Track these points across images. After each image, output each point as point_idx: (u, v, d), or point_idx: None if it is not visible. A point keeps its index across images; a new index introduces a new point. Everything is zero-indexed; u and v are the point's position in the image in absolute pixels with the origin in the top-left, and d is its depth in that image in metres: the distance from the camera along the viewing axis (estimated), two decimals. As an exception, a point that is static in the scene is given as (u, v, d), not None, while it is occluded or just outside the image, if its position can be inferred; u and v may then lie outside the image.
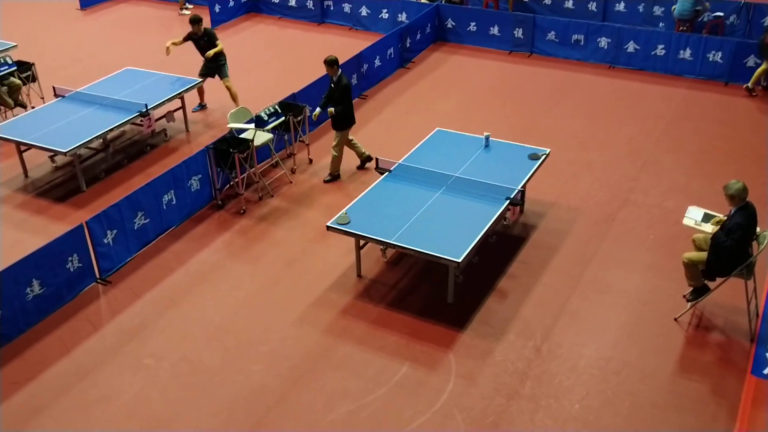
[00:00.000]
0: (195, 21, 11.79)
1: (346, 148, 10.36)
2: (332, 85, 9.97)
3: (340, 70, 9.92)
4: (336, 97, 9.92)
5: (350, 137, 10.35)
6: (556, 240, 8.99)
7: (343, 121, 10.07)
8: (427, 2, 15.86)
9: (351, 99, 10.08)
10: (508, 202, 8.19)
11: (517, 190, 8.41)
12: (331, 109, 9.91)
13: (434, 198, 8.35)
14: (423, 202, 8.26)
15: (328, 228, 7.99)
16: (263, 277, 8.54)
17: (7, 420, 6.72)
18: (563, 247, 8.85)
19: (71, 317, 7.96)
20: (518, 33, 14.76)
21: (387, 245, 7.79)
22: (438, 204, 8.24)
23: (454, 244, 7.48)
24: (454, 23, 15.33)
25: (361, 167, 10.51)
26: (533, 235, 9.09)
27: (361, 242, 8.25)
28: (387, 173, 8.88)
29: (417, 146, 9.54)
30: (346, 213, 8.10)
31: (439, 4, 15.61)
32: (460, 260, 7.29)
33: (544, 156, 9.19)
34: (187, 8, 17.90)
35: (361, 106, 12.66)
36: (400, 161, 9.05)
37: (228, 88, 12.01)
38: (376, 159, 9.07)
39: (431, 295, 8.10)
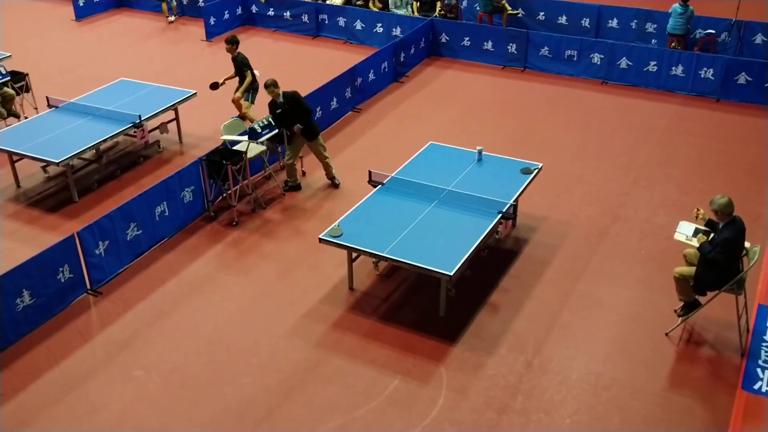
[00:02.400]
0: (230, 42, 11.66)
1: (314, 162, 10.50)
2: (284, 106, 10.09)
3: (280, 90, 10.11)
4: (296, 113, 10.07)
5: (325, 154, 10.43)
6: (548, 254, 9.00)
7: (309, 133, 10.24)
8: (421, 17, 15.95)
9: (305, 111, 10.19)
10: (500, 215, 8.21)
11: (509, 204, 8.43)
12: (298, 126, 10.03)
13: (427, 211, 8.36)
14: (416, 215, 8.27)
15: (321, 240, 7.99)
16: (255, 289, 8.52)
17: (-5, 431, 6.68)
18: (555, 262, 8.87)
19: (61, 328, 7.92)
20: (512, 48, 14.85)
21: (379, 258, 7.79)
22: (430, 217, 8.25)
23: (447, 258, 7.48)
24: (448, 38, 15.41)
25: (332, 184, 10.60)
26: (525, 249, 9.11)
27: (354, 255, 8.24)
28: (380, 186, 8.89)
29: (410, 159, 9.56)
30: (338, 225, 8.10)
31: (434, 18, 15.69)
32: (452, 273, 7.30)
33: (537, 170, 9.22)
34: (172, 16, 17.98)
35: (355, 120, 12.69)
36: (393, 174, 9.07)
37: (240, 108, 11.89)
38: (369, 172, 9.09)
39: (423, 309, 8.09)
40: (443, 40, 15.46)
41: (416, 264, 7.47)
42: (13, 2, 19.80)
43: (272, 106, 10.21)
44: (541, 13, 16.34)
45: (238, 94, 11.71)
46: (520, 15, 16.44)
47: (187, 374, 7.28)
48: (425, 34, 15.28)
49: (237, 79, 11.94)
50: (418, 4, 16.44)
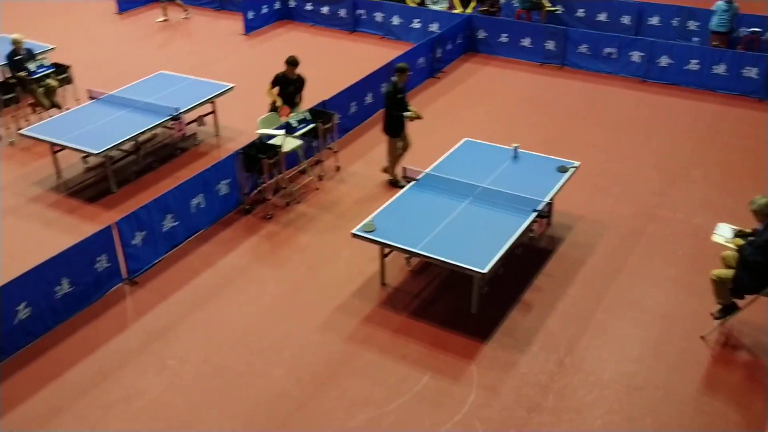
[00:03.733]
0: (291, 63, 10.60)
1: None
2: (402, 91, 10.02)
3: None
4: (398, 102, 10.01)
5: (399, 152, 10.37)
6: (583, 253, 8.91)
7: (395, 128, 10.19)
8: (460, 13, 15.86)
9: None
10: (535, 214, 8.15)
11: (544, 202, 8.36)
12: (410, 113, 10.01)
13: (461, 208, 8.33)
14: (449, 212, 8.25)
15: (354, 235, 8.01)
16: (288, 282, 8.58)
17: (31, 416, 6.81)
18: (590, 261, 8.78)
19: (98, 316, 8.06)
20: (550, 45, 14.71)
21: (412, 254, 7.79)
22: (464, 214, 8.23)
23: (480, 255, 7.45)
24: (485, 34, 15.32)
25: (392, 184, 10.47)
26: (560, 248, 9.03)
27: (386, 250, 8.25)
28: (414, 182, 8.88)
29: (445, 156, 9.54)
30: (371, 220, 8.11)
31: (471, 14, 15.61)
32: (485, 271, 7.27)
33: (573, 169, 9.13)
34: (186, 14, 18.12)
35: (390, 115, 12.71)
36: (427, 170, 9.06)
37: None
38: (404, 168, 9.08)
39: (455, 305, 8.07)
40: (481, 36, 15.37)
41: (449, 261, 7.45)
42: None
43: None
44: (581, 10, 16.16)
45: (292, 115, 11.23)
46: (559, 12, 16.28)
47: (220, 365, 7.37)
48: (462, 30, 15.21)
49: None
50: (459, 0, 16.32)
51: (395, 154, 10.29)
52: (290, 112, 10.37)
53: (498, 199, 8.40)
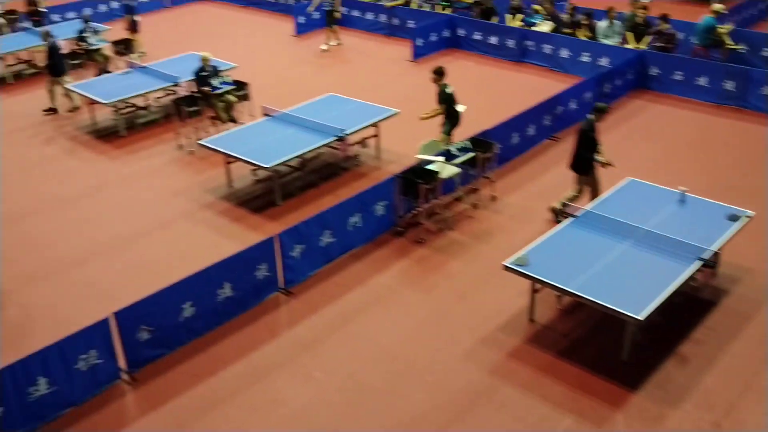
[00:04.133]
0: (436, 72, 11.28)
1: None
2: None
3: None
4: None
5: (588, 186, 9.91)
6: (751, 309, 8.30)
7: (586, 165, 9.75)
8: (633, 48, 15.37)
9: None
10: (700, 263, 7.70)
11: (711, 251, 7.89)
12: (602, 158, 9.69)
13: (620, 249, 8.03)
14: (607, 253, 7.97)
15: (505, 267, 7.93)
16: (435, 308, 8.62)
17: (185, 411, 7.26)
18: (757, 318, 8.16)
19: (253, 322, 8.48)
20: (729, 85, 13.91)
21: (564, 292, 7.60)
22: (623, 256, 7.92)
23: (637, 300, 7.14)
24: (658, 71, 14.74)
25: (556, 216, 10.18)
26: (725, 301, 8.47)
27: (537, 286, 8.10)
28: (572, 218, 8.68)
29: (607, 194, 9.25)
30: (525, 254, 8.00)
31: (645, 50, 15.09)
32: (641, 318, 6.95)
33: (746, 218, 8.56)
34: (333, 42, 18.46)
35: (552, 148, 12.49)
36: (586, 207, 8.81)
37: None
38: (562, 203, 8.90)
39: (605, 350, 7.77)
40: (653, 72, 14.81)
41: (603, 303, 7.20)
42: (242, 16, 21.61)
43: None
44: (766, 50, 15.17)
45: (442, 135, 11.34)
46: (741, 50, 15.37)
47: (363, 382, 7.51)
48: (634, 66, 14.73)
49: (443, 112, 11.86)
50: (633, 34, 15.80)
51: (578, 194, 9.93)
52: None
53: (660, 244, 8.02)
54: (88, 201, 11.31)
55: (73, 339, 7.11)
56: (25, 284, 9.31)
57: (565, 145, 12.53)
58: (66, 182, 11.92)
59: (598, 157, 9.66)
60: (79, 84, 14.40)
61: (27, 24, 18.71)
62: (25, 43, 17.15)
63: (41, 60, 17.23)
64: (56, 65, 14.42)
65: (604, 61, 15.25)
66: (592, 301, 7.29)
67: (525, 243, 8.46)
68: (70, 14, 20.36)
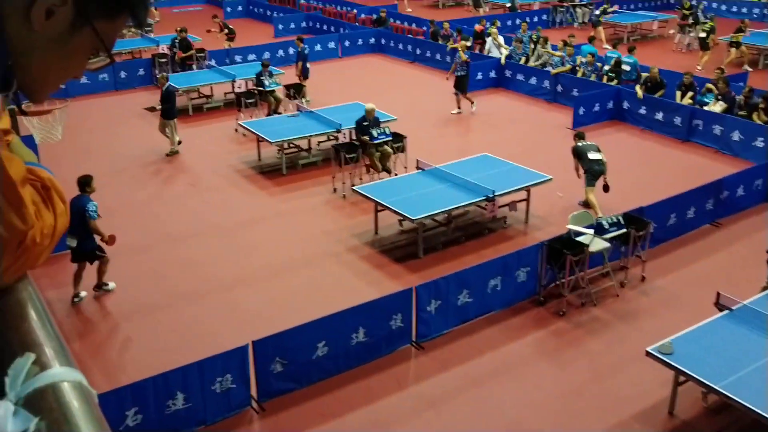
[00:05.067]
0: (577, 136, 11.96)
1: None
2: None
3: None
4: None
5: None
6: None
7: None
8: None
9: None
10: None
11: None
12: None
13: (778, 352, 7.43)
14: (765, 354, 7.39)
15: (648, 353, 7.54)
16: (567, 385, 8.31)
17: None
18: None
19: (382, 371, 8.52)
20: None
21: (711, 390, 7.10)
22: (781, 360, 7.31)
23: (793, 411, 6.55)
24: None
25: None
26: None
27: (682, 378, 7.62)
28: (727, 311, 8.14)
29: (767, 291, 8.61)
30: (670, 342, 7.57)
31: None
32: (796, 430, 6.36)
33: None
34: (472, 108, 18.15)
35: (712, 234, 11.84)
36: (745, 302, 8.24)
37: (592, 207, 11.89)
38: (718, 294, 8.38)
39: (751, 459, 7.15)
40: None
41: (754, 409, 6.65)
42: (407, 71, 22.26)
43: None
44: None
45: (586, 189, 11.55)
46: None
47: (483, 449, 7.34)
48: (814, 157, 13.75)
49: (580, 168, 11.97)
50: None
51: None
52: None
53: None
54: (243, 231, 11.94)
55: (213, 361, 7.47)
56: (177, 301, 9.90)
57: (727, 233, 11.85)
58: (226, 211, 12.66)
59: None
60: (251, 122, 15.37)
61: (213, 62, 20.27)
62: (209, 79, 18.62)
63: (219, 96, 18.62)
64: (170, 110, 14.91)
65: (780, 149, 14.36)
66: (741, 404, 6.76)
67: (672, 330, 8.00)
68: (251, 56, 21.87)
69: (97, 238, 9.56)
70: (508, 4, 29.37)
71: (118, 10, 1.17)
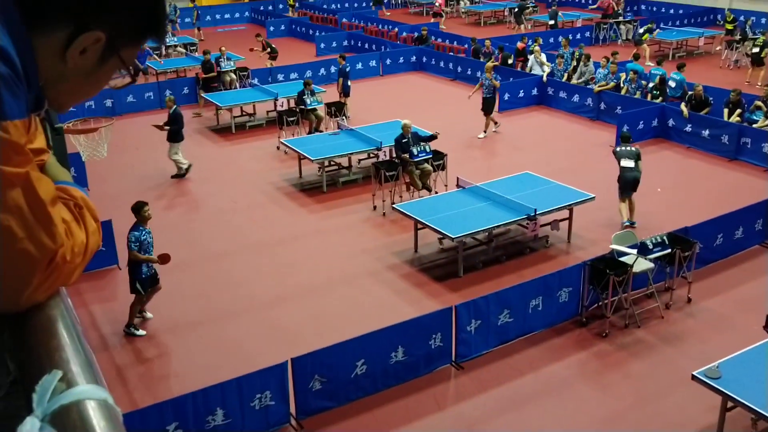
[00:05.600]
0: (622, 138, 12.25)
1: None
2: None
3: None
4: None
5: None
6: None
7: None
8: None
9: None
10: None
11: None
12: None
13: (832, 378, 7.15)
14: (816, 380, 7.13)
15: (694, 378, 7.33)
16: (610, 409, 8.12)
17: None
18: None
19: (421, 390, 8.45)
20: None
21: (761, 417, 6.86)
22: (835, 386, 7.04)
23: None
24: None
25: None
26: None
27: (730, 404, 7.38)
28: (777, 335, 7.89)
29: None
30: (717, 366, 7.35)
31: None
32: None
33: None
34: (493, 128, 17.81)
35: (762, 255, 11.54)
36: (796, 326, 7.98)
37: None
38: (767, 316, 8.13)
39: (804, 490, 6.88)
40: None
41: (806, 436, 6.41)
42: (448, 89, 22.24)
43: None
44: None
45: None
46: None
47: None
48: None
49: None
50: None
51: None
52: None
53: None
54: (283, 248, 12.01)
55: (252, 377, 7.49)
56: (218, 318, 9.98)
57: (778, 254, 11.53)
58: (267, 228, 12.76)
59: None
60: (292, 140, 15.50)
61: (255, 81, 20.53)
62: (251, 98, 18.88)
63: (262, 114, 18.84)
64: (177, 132, 14.85)
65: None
66: (793, 431, 6.52)
67: (719, 354, 7.77)
68: (293, 75, 22.11)
69: (154, 264, 9.49)
70: (551, 21, 29.20)
71: (144, 37, 1.29)
